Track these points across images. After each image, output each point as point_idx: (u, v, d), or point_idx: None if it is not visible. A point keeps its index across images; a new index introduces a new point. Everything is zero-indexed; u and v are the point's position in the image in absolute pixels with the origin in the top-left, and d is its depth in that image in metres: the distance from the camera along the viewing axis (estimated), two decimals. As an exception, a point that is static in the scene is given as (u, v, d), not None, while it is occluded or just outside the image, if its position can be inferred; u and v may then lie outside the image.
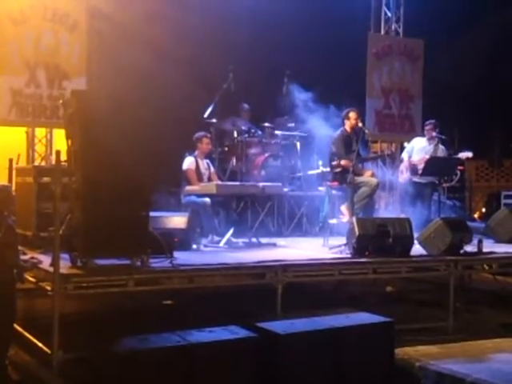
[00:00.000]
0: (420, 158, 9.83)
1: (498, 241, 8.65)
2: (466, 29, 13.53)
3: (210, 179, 8.68)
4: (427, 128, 10.15)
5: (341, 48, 11.19)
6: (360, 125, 9.04)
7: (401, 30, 12.55)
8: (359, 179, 8.74)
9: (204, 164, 8.79)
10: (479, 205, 15.71)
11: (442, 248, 7.33)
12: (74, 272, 5.67)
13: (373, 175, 9.04)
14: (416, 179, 9.82)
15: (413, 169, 9.89)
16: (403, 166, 10.13)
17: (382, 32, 12.50)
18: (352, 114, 9.11)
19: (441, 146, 10.04)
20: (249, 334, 4.99)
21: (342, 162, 8.71)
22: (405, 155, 10.22)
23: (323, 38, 11.29)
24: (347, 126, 9.10)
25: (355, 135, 9.01)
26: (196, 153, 8.74)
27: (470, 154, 9.95)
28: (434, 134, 10.02)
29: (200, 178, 8.57)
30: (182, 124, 9.79)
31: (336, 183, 8.81)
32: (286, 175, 9.98)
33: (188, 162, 8.62)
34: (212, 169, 8.91)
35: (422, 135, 10.39)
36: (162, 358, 4.60)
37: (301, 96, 9.65)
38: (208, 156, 9.00)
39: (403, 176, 10.08)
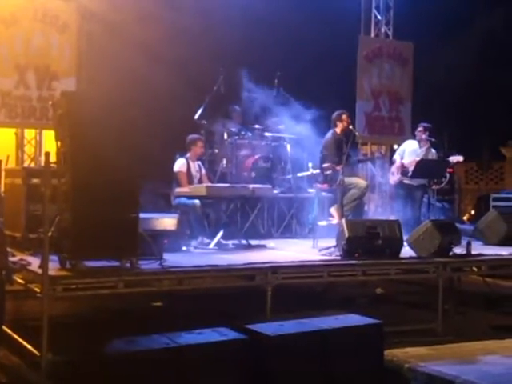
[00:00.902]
0: (411, 161, 9.84)
1: (487, 243, 8.69)
2: (455, 32, 13.57)
3: (200, 181, 8.66)
4: (418, 131, 10.16)
5: (331, 50, 11.20)
6: (350, 127, 9.07)
7: (390, 33, 12.60)
8: (349, 181, 8.76)
9: (195, 166, 8.77)
10: (468, 207, 15.77)
11: (431, 250, 7.35)
12: (63, 274, 5.65)
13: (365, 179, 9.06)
14: (406, 181, 9.84)
15: (404, 171, 9.91)
16: (395, 168, 10.14)
17: (372, 35, 12.54)
18: (345, 117, 9.14)
19: (432, 150, 10.06)
20: (238, 336, 4.98)
21: (337, 168, 8.70)
22: (397, 157, 10.22)
23: (314, 40, 11.29)
24: (338, 128, 9.11)
25: (345, 138, 9.02)
26: (188, 155, 8.71)
27: (460, 158, 9.94)
28: (423, 136, 10.02)
29: (191, 181, 8.56)
30: (172, 125, 9.77)
31: (326, 185, 8.82)
32: (276, 177, 9.98)
33: (179, 164, 8.61)
34: (203, 171, 8.89)
35: (412, 138, 10.40)
36: (151, 360, 4.59)
37: (291, 98, 9.68)
38: (199, 158, 8.99)
39: (394, 178, 10.10)
